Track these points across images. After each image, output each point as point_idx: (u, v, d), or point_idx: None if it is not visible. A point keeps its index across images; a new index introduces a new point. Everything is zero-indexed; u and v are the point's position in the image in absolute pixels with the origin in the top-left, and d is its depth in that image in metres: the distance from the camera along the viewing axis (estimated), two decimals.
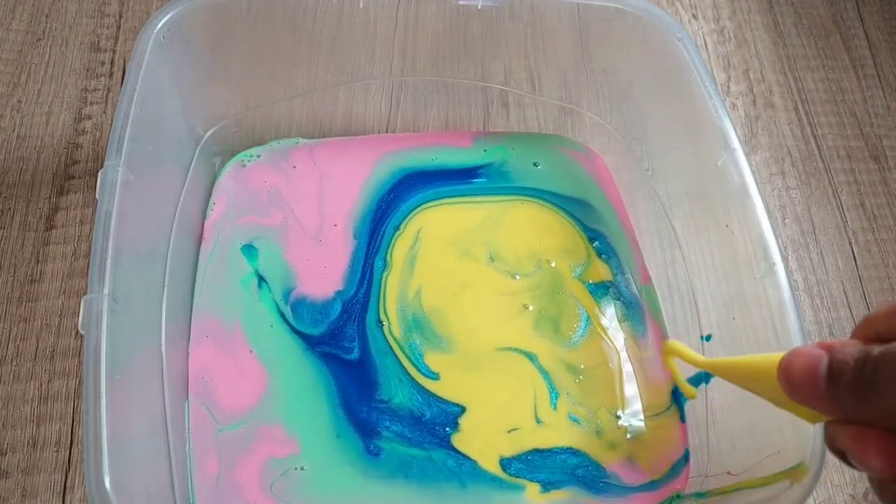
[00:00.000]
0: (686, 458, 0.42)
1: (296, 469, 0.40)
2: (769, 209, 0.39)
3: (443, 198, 0.49)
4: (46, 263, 0.45)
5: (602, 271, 0.47)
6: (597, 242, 0.48)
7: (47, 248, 0.46)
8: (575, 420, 0.42)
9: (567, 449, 0.42)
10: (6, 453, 0.40)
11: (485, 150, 0.52)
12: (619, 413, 0.43)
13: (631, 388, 0.44)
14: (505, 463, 0.41)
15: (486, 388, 0.43)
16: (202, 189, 0.47)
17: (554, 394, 0.43)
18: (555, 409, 0.42)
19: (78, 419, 0.41)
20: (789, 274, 0.37)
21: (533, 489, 0.40)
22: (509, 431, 0.42)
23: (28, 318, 0.44)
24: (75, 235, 0.47)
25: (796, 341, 0.35)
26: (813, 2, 0.65)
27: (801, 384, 0.25)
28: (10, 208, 0.47)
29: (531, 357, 0.44)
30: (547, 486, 0.41)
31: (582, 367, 0.44)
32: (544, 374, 0.43)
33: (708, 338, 0.42)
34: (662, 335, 0.46)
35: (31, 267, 0.45)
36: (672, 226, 0.46)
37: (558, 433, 0.42)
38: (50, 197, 0.48)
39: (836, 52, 0.62)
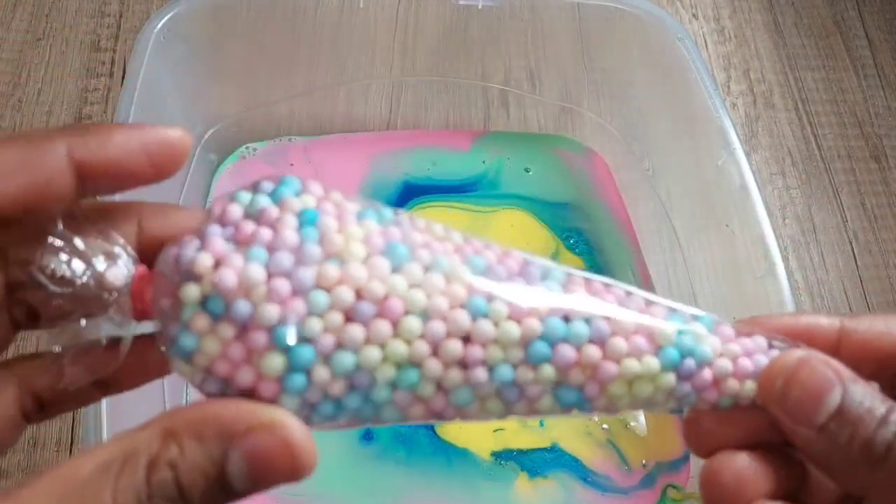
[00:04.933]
0: (686, 457, 0.42)
1: None
2: (769, 209, 0.39)
3: (435, 200, 0.50)
4: None
5: (573, 263, 0.48)
6: (572, 240, 0.48)
7: None
8: (556, 424, 0.42)
9: (555, 448, 0.42)
10: (6, 453, 0.40)
11: (483, 161, 0.51)
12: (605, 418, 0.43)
13: None
14: (493, 453, 0.41)
15: None
16: (202, 188, 0.47)
17: None
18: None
19: (78, 419, 0.41)
20: (789, 274, 0.37)
21: (522, 475, 0.41)
22: (494, 431, 0.42)
23: None
24: None
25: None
26: (813, 1, 0.65)
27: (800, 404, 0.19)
28: None
29: None
30: (535, 473, 0.41)
31: None
32: None
33: None
34: None
35: None
36: (672, 226, 0.46)
37: (541, 437, 0.42)
38: None
39: (836, 51, 0.62)
